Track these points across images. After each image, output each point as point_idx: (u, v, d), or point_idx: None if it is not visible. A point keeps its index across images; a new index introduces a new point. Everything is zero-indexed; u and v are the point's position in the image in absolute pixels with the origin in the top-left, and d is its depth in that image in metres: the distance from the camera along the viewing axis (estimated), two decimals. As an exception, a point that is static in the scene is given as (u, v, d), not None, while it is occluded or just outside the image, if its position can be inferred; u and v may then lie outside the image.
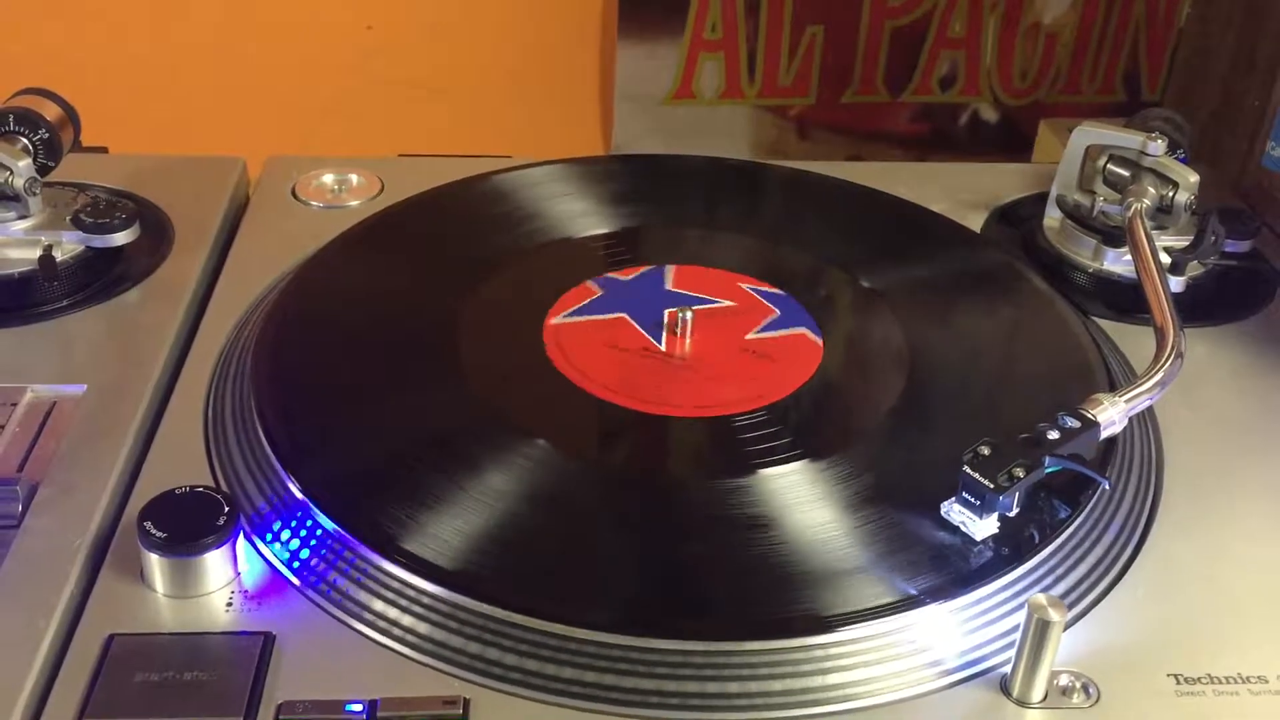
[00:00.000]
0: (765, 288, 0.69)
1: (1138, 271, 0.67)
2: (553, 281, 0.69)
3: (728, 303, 0.68)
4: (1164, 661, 0.50)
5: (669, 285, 0.69)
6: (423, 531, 0.52)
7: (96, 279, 0.69)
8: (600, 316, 0.66)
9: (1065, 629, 0.49)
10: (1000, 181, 0.84)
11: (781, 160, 0.85)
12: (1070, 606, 0.52)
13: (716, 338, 0.65)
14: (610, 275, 0.70)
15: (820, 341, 0.65)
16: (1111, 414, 0.55)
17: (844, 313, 0.69)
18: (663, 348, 0.64)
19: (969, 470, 0.52)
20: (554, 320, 0.65)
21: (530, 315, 0.66)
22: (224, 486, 0.56)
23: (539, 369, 0.62)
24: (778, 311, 0.67)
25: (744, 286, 0.69)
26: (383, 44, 1.03)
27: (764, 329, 0.66)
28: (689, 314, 0.65)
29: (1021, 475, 0.52)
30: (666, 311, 0.65)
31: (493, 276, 0.69)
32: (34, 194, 0.68)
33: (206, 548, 0.51)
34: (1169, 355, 0.59)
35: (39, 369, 0.63)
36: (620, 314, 0.66)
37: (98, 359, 0.64)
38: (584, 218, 0.75)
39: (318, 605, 0.51)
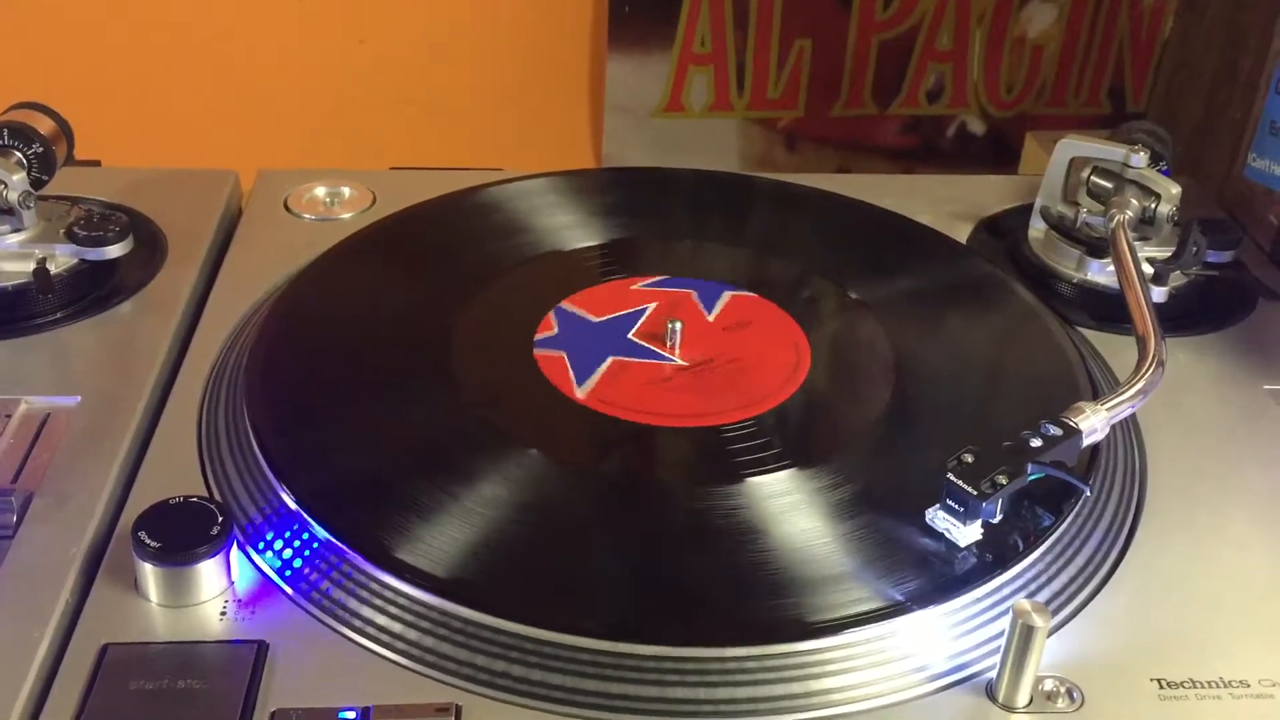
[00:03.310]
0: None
1: (1120, 282, 0.67)
2: (543, 293, 0.69)
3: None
4: (1147, 666, 0.51)
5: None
6: (415, 540, 0.53)
7: (90, 291, 0.70)
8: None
9: (1050, 634, 0.50)
10: (985, 193, 0.85)
11: (770, 173, 0.86)
12: (1055, 612, 0.53)
13: (703, 345, 0.66)
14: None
15: (800, 342, 0.66)
16: (1093, 422, 0.56)
17: (831, 323, 0.69)
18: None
19: (952, 477, 0.53)
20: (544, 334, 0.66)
21: (521, 326, 0.66)
22: (218, 497, 0.57)
23: (530, 379, 0.63)
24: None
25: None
26: (375, 58, 1.04)
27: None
28: (678, 324, 0.65)
29: (1004, 482, 0.53)
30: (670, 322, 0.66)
31: (484, 288, 0.69)
32: (28, 207, 0.69)
33: (200, 557, 0.51)
34: (1150, 364, 0.60)
35: (33, 380, 0.64)
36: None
37: (92, 371, 0.64)
38: (574, 230, 0.76)
39: (311, 614, 0.52)
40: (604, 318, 0.68)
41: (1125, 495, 0.59)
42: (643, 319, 0.68)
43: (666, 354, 0.65)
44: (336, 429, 0.60)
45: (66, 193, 0.75)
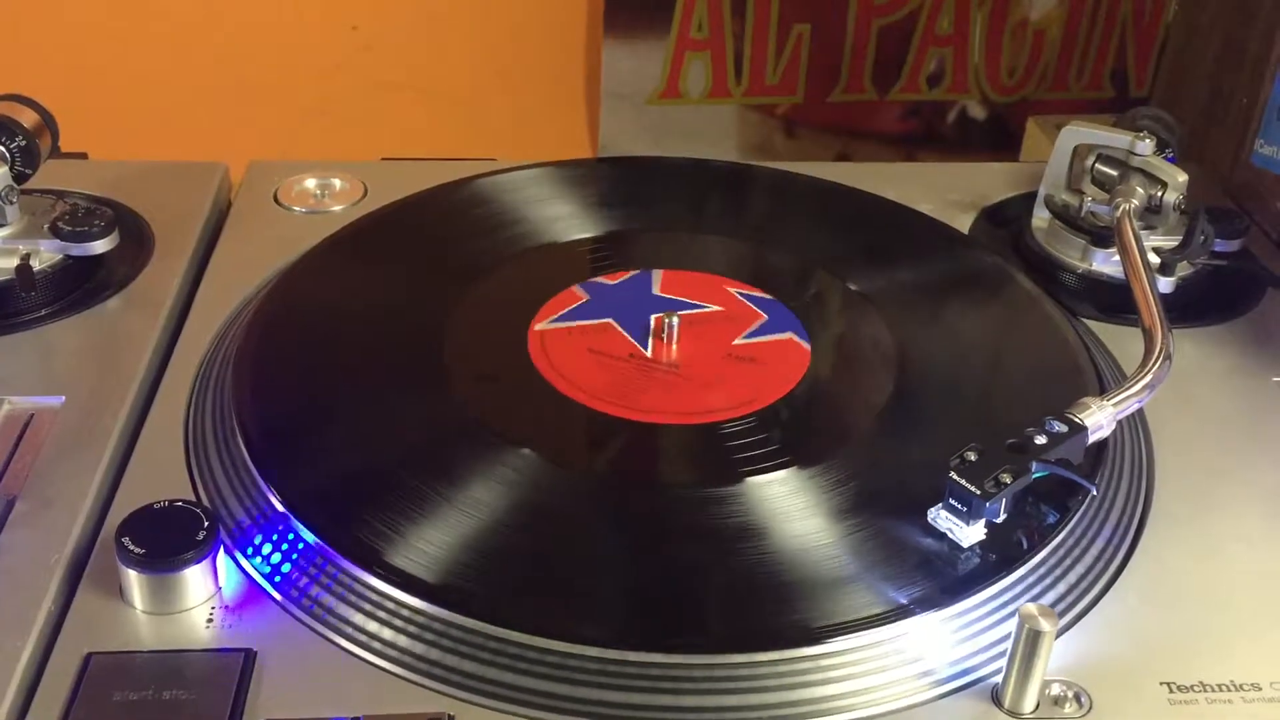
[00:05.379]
0: (753, 292, 0.68)
1: (1126, 272, 0.66)
2: (538, 287, 0.68)
3: (715, 307, 0.67)
4: (1157, 670, 0.50)
5: (656, 290, 0.69)
6: (406, 544, 0.51)
7: (75, 288, 0.69)
8: (586, 322, 0.66)
9: (1056, 637, 0.49)
10: (988, 181, 0.84)
11: (769, 159, 0.85)
12: (1061, 614, 0.52)
13: (703, 343, 0.64)
14: (597, 280, 0.69)
15: (808, 346, 0.64)
16: (1099, 418, 0.55)
17: (831, 316, 0.68)
18: (649, 353, 0.64)
19: (955, 476, 0.52)
20: (539, 326, 0.65)
21: (515, 321, 0.65)
22: (204, 499, 0.55)
23: (524, 376, 0.62)
24: (765, 316, 0.67)
25: (732, 291, 0.68)
26: (368, 45, 1.02)
27: (751, 334, 0.65)
28: (675, 319, 0.64)
29: (1008, 481, 0.52)
30: (653, 317, 0.65)
31: (477, 282, 0.68)
32: (11, 202, 0.67)
33: (185, 563, 0.50)
34: (1157, 357, 0.59)
35: (16, 380, 0.62)
36: (607, 319, 0.66)
37: (77, 369, 0.63)
38: (568, 221, 0.75)
39: (300, 620, 0.50)
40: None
41: (1132, 493, 0.58)
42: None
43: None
44: (326, 429, 0.59)
45: (51, 186, 0.74)
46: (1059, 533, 0.54)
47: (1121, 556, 0.55)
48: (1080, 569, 0.54)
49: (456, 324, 0.65)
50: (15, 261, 0.66)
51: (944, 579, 0.51)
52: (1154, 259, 0.69)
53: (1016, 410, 0.58)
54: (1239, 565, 0.55)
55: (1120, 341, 0.68)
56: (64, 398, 0.61)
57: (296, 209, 0.78)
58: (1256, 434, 0.63)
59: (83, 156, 0.81)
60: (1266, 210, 0.81)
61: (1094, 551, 0.54)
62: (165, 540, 0.50)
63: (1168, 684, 0.49)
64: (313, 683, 0.48)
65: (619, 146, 1.05)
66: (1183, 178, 0.71)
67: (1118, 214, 0.70)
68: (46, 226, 0.68)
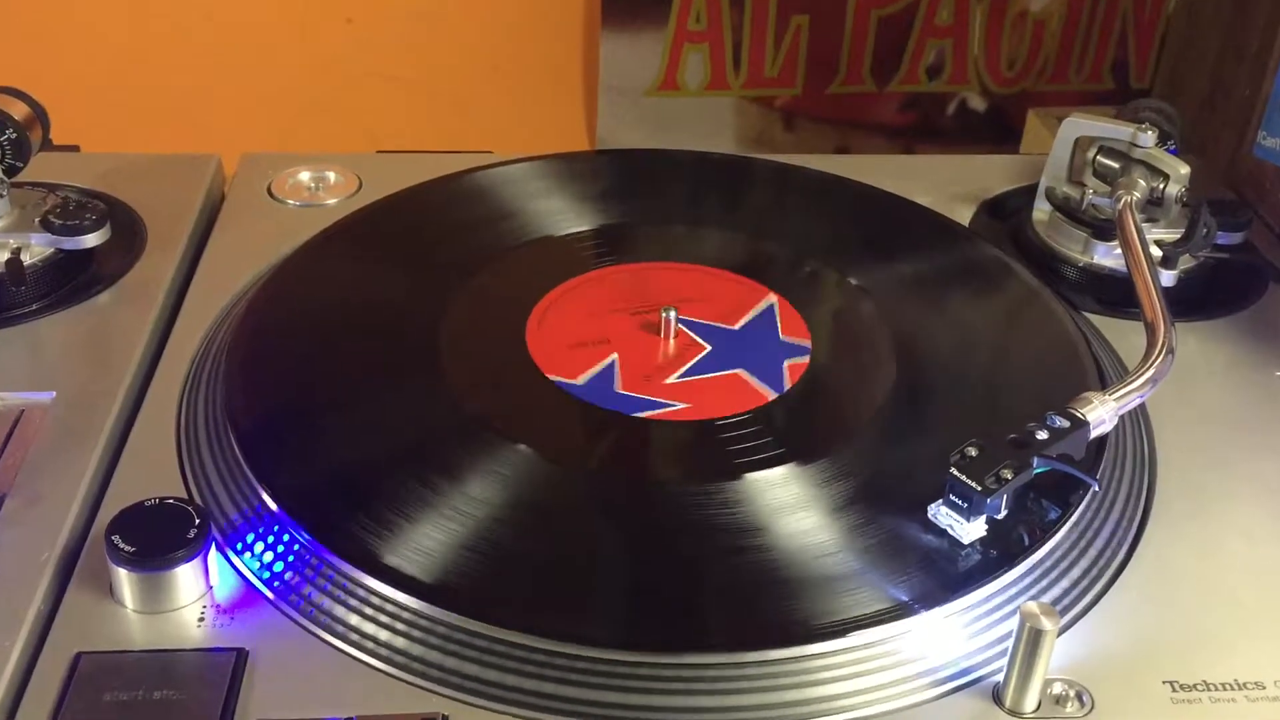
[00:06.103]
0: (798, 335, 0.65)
1: (1128, 265, 0.65)
2: (534, 281, 0.67)
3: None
4: (1159, 668, 0.49)
5: (781, 333, 0.65)
6: (400, 543, 0.51)
7: (66, 282, 0.68)
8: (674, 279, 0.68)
9: (1058, 635, 0.48)
10: (988, 174, 0.83)
11: (768, 152, 0.84)
12: (1063, 612, 0.51)
13: (663, 346, 0.63)
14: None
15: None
16: (1101, 413, 0.54)
17: (830, 310, 0.68)
18: (629, 310, 0.64)
19: (956, 472, 0.51)
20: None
21: (512, 316, 0.65)
22: (196, 497, 0.55)
23: (521, 372, 0.61)
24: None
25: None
26: (363, 37, 1.02)
27: (687, 372, 0.62)
28: (672, 312, 0.64)
29: (1009, 477, 0.51)
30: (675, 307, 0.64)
31: (473, 277, 0.68)
32: (1, 195, 0.67)
33: (176, 562, 0.49)
34: (1160, 351, 0.58)
35: (6, 376, 0.62)
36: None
37: (67, 365, 0.63)
38: (565, 215, 0.74)
39: (292, 620, 0.50)
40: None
41: (1134, 488, 0.58)
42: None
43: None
44: (319, 426, 0.58)
45: (43, 179, 0.73)
46: (1060, 529, 0.53)
47: (1124, 553, 0.55)
48: (1082, 566, 0.53)
49: (452, 319, 0.64)
50: (6, 255, 0.66)
51: (944, 576, 0.50)
52: (1156, 252, 0.68)
53: (1017, 405, 0.57)
54: (1243, 560, 0.55)
55: (1122, 335, 0.68)
56: (54, 393, 0.60)
57: (290, 202, 0.78)
58: (1260, 428, 0.62)
59: (74, 149, 0.80)
60: (1269, 202, 0.80)
61: (1096, 548, 0.54)
62: (156, 538, 0.50)
63: (1170, 683, 0.49)
64: (305, 683, 0.48)
65: (616, 139, 1.04)
66: (1185, 170, 0.70)
67: (1119, 206, 0.69)
68: (37, 220, 0.67)
